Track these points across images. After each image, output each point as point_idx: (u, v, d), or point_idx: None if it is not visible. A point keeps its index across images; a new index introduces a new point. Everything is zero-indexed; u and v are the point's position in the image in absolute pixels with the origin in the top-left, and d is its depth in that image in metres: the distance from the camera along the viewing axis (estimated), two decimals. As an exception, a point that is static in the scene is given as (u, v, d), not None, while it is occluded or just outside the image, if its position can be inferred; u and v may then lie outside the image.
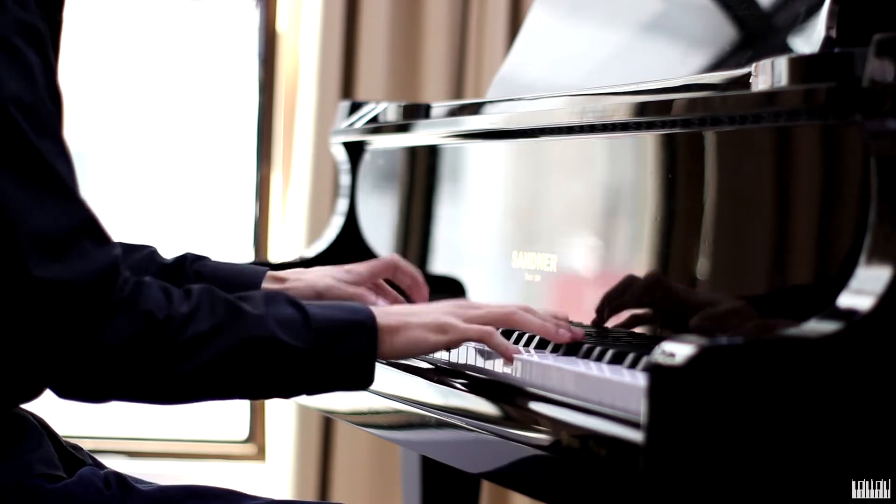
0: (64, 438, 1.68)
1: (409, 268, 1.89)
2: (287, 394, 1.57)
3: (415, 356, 1.68)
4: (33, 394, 1.58)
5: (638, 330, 1.70)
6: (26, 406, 1.63)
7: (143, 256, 1.82)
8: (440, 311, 1.63)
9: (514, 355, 1.60)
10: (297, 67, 3.61)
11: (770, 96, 1.48)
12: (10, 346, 1.48)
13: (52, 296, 1.40)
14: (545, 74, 2.24)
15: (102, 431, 3.76)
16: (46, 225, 1.41)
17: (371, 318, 1.56)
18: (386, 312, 1.60)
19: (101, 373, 1.44)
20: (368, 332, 1.56)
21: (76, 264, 1.41)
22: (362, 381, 1.57)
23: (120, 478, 1.62)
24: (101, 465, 1.69)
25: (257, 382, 1.52)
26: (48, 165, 1.42)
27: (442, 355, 1.72)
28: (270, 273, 1.85)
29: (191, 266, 1.83)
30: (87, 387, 1.46)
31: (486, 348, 1.64)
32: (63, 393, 1.47)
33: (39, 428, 1.62)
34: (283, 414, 3.60)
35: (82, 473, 1.60)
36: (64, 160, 1.44)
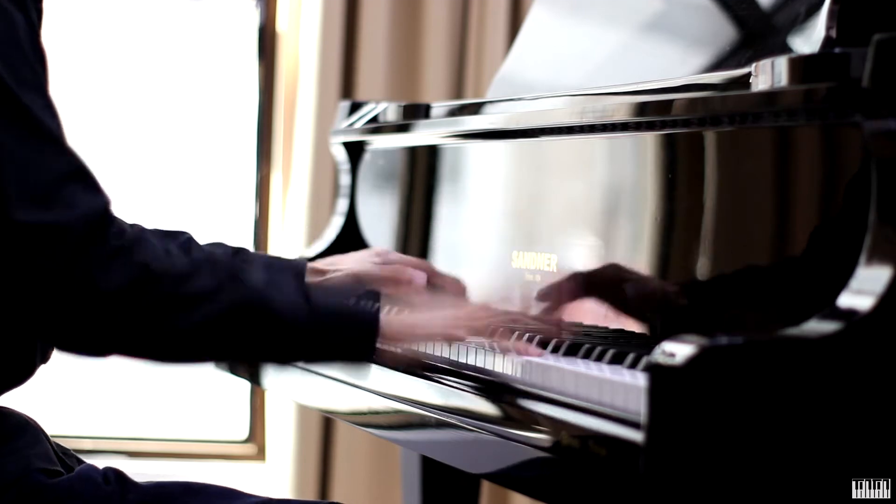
0: (56, 443, 1.68)
1: (447, 278, 1.90)
2: (284, 363, 1.66)
3: None
4: (27, 370, 1.57)
5: (638, 330, 1.70)
6: (24, 410, 1.64)
7: (179, 243, 1.83)
8: (447, 321, 1.65)
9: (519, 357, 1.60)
10: (297, 67, 3.61)
11: (770, 96, 1.48)
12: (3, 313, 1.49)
13: (38, 240, 1.41)
14: (545, 74, 2.24)
15: (102, 431, 3.75)
16: (33, 172, 1.42)
17: (374, 319, 1.58)
18: (390, 322, 1.60)
19: (96, 322, 1.44)
20: (368, 332, 1.57)
21: (63, 209, 1.42)
22: (361, 359, 1.62)
23: (118, 474, 1.62)
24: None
25: (253, 348, 1.54)
26: (34, 116, 1.43)
27: (442, 354, 1.72)
28: (310, 265, 1.85)
29: None
30: (84, 338, 1.46)
31: (487, 346, 1.64)
32: (62, 345, 1.48)
33: (36, 428, 1.63)
34: (283, 414, 3.60)
35: (81, 470, 1.61)
36: (50, 113, 1.45)
